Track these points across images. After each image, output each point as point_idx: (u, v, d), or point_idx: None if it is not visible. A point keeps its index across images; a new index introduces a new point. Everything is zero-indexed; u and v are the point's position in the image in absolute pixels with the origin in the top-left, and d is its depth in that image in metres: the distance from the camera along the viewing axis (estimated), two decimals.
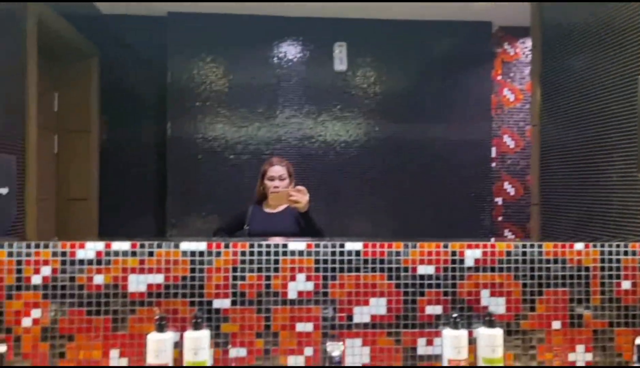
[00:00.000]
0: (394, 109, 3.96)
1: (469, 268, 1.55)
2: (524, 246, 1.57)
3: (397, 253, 1.55)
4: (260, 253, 1.52)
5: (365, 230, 3.92)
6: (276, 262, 1.52)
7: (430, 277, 1.55)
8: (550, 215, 2.88)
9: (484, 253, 1.56)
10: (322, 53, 3.94)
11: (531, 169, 3.06)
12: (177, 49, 3.86)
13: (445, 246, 1.56)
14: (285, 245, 1.52)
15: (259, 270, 1.51)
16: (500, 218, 4.04)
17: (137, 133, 3.90)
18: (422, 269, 1.54)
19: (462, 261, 1.56)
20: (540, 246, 1.57)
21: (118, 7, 3.69)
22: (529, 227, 4.04)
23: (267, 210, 2.82)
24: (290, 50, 3.94)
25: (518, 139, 4.07)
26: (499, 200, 4.04)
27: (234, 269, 1.50)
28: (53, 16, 3.13)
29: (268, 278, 1.51)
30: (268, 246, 1.52)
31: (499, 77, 4.06)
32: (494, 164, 4.01)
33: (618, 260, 1.58)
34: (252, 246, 1.51)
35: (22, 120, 2.76)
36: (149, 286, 1.48)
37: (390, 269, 1.54)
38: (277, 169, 2.80)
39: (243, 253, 1.51)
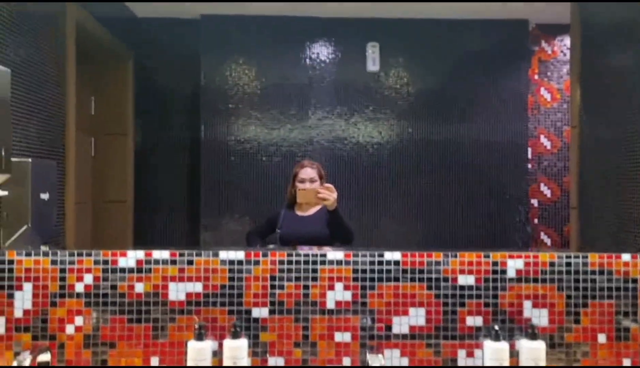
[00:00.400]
0: (427, 110, 3.91)
1: (511, 279, 1.52)
2: (568, 257, 1.53)
3: (437, 263, 1.52)
4: (298, 262, 1.51)
5: (398, 233, 3.89)
6: (314, 271, 1.51)
7: (470, 287, 1.52)
8: (589, 219, 2.80)
9: (527, 264, 1.53)
10: (354, 53, 3.91)
11: (570, 170, 2.99)
12: (209, 51, 3.89)
13: (487, 256, 1.53)
14: (323, 255, 1.51)
15: (297, 279, 1.50)
16: (536, 221, 3.96)
17: (171, 135, 3.95)
18: (463, 279, 1.52)
19: (503, 271, 1.52)
20: (585, 257, 1.53)
21: (152, 10, 3.73)
22: (567, 230, 3.95)
23: (299, 213, 2.83)
24: (322, 51, 3.93)
25: (555, 139, 3.98)
26: (535, 202, 3.96)
27: (272, 278, 1.50)
28: (90, 20, 3.18)
29: (306, 287, 1.50)
30: (306, 255, 1.51)
31: (536, 76, 3.98)
32: (530, 165, 3.93)
33: None
34: (290, 255, 1.51)
35: (62, 124, 2.82)
36: (188, 295, 1.49)
37: (429, 279, 1.52)
38: (308, 171, 2.80)
39: (281, 263, 1.51)
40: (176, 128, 3.96)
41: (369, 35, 3.87)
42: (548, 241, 3.95)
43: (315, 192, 2.57)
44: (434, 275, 1.52)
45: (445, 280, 1.52)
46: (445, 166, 3.88)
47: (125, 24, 3.76)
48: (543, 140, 3.97)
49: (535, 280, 1.52)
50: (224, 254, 1.50)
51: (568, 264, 1.53)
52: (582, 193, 2.88)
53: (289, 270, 1.50)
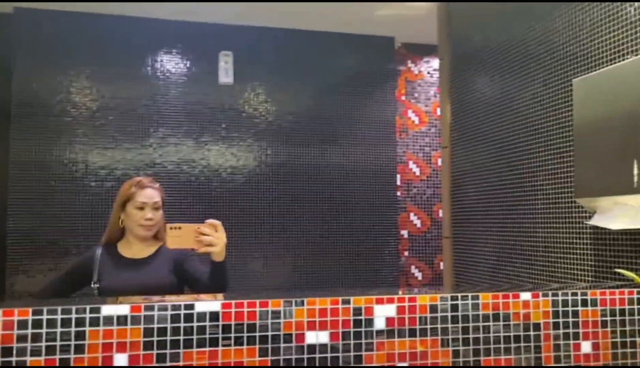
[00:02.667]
0: (288, 130, 3.48)
1: (380, 332, 1.07)
2: (454, 298, 1.11)
3: (275, 315, 1.03)
4: (51, 322, 0.94)
5: (254, 273, 3.37)
6: (79, 336, 0.95)
7: (324, 347, 1.05)
8: (465, 250, 2.50)
9: (400, 310, 1.09)
10: (205, 63, 3.40)
11: (442, 196, 2.69)
12: (25, 52, 3.16)
13: (346, 302, 1.06)
14: (96, 310, 0.96)
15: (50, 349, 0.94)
16: (406, 253, 3.65)
17: None
18: (312, 337, 1.04)
19: (369, 322, 1.07)
20: (475, 298, 1.12)
21: None
22: (437, 262, 3.69)
23: (127, 254, 2.00)
24: (167, 59, 3.37)
25: (424, 165, 3.74)
26: (404, 233, 3.66)
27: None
28: None
29: (65, 361, 0.94)
30: (67, 312, 0.95)
31: (403, 97, 3.73)
32: (398, 193, 3.63)
33: (576, 313, 1.16)
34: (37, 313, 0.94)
35: None
36: None
37: (264, 339, 1.02)
38: (150, 194, 1.96)
39: (23, 325, 0.93)
40: None
41: (222, 43, 3.37)
42: (419, 275, 3.66)
43: (194, 232, 1.72)
44: (269, 333, 1.03)
45: (287, 339, 1.03)
46: (308, 193, 3.46)
47: None
48: (412, 166, 3.71)
49: (412, 333, 1.09)
50: None
51: (454, 308, 1.11)
52: (456, 221, 2.58)
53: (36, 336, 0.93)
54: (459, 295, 1.11)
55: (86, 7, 3.16)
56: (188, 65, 3.39)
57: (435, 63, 3.77)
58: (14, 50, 3.14)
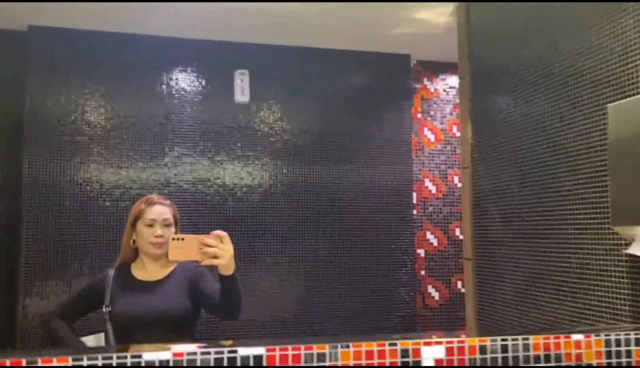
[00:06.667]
0: (304, 149, 3.44)
1: None
2: (504, 340, 1.07)
3: (321, 357, 0.99)
4: None
5: (269, 294, 3.32)
6: None
7: None
8: (486, 272, 2.45)
9: (449, 352, 1.05)
10: (220, 82, 3.37)
11: (463, 217, 2.64)
12: (40, 67, 3.14)
13: (393, 344, 1.02)
14: (138, 356, 0.92)
15: None
16: (422, 273, 3.60)
17: None
18: None
19: (417, 365, 1.03)
20: (526, 339, 1.08)
21: None
22: (454, 282, 3.64)
23: (141, 276, 1.95)
24: (182, 78, 3.34)
25: (440, 183, 3.70)
26: (421, 252, 3.61)
27: None
28: None
29: None
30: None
31: (419, 115, 3.70)
32: (415, 212, 3.59)
33: (629, 353, 1.12)
34: (78, 360, 0.90)
35: None
36: None
37: None
38: (160, 210, 1.93)
39: None
40: None
41: (238, 62, 3.35)
42: (436, 295, 3.61)
43: (198, 244, 1.60)
44: None
45: None
46: (324, 212, 3.42)
47: None
48: (428, 183, 3.67)
49: None
50: None
51: (504, 349, 1.07)
52: (477, 242, 2.54)
53: None
54: (509, 337, 1.07)
55: (101, 25, 3.14)
56: (204, 83, 3.36)
57: (451, 81, 3.74)
58: (28, 69, 3.12)
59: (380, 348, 1.02)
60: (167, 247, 1.65)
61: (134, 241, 1.97)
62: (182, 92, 3.32)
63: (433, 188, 3.68)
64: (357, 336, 1.06)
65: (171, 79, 3.32)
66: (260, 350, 0.97)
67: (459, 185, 3.75)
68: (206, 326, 3.14)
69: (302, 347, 0.98)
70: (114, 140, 3.21)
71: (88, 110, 3.20)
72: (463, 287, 3.65)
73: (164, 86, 3.31)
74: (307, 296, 3.36)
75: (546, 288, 2.03)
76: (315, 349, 0.99)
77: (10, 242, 3.07)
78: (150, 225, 1.91)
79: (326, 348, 0.99)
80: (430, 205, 3.67)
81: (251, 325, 3.25)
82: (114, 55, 3.24)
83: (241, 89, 3.27)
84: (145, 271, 1.96)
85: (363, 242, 3.46)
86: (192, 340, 1.97)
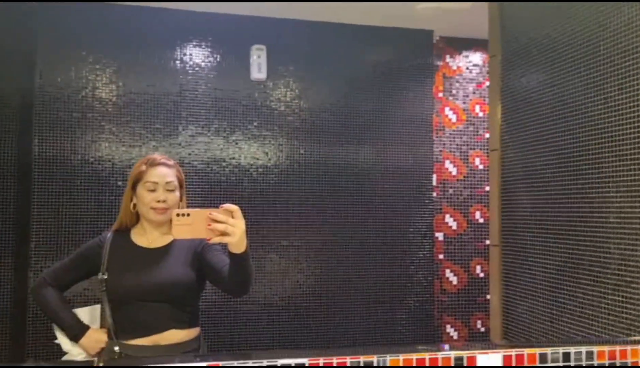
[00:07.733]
0: (322, 128, 3.33)
1: None
2: (566, 350, 0.97)
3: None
4: None
5: (286, 277, 3.24)
6: None
7: None
8: (514, 259, 2.36)
9: (507, 360, 0.95)
10: (236, 58, 3.24)
11: (490, 202, 2.54)
12: (49, 43, 3.03)
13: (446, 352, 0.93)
14: None
15: None
16: (441, 256, 3.51)
17: None
18: None
19: None
20: (589, 349, 0.98)
21: None
22: (473, 267, 3.55)
23: (141, 243, 1.80)
24: (196, 53, 3.22)
25: (461, 165, 3.58)
26: (439, 236, 3.51)
27: None
28: None
29: None
30: None
31: (440, 94, 3.57)
32: (434, 194, 3.48)
33: None
34: None
35: None
36: None
37: None
38: (163, 173, 1.76)
39: None
40: None
41: (255, 37, 3.22)
42: (454, 279, 3.52)
43: (206, 219, 1.42)
44: None
45: None
46: (342, 193, 3.32)
47: None
48: (448, 165, 3.56)
49: None
50: None
51: (566, 358, 0.97)
52: (505, 228, 2.44)
53: None
54: (572, 349, 0.97)
55: None
56: (219, 59, 3.24)
57: (474, 58, 3.60)
58: (37, 44, 3.01)
59: (431, 356, 0.93)
60: (170, 214, 1.52)
61: (134, 205, 1.81)
62: (197, 68, 3.20)
63: (454, 170, 3.57)
64: (406, 346, 0.97)
65: (185, 55, 3.20)
66: (303, 360, 0.88)
67: (480, 167, 3.64)
68: (219, 306, 3.08)
69: (348, 358, 0.89)
70: (125, 117, 3.11)
71: (99, 87, 3.09)
72: (482, 271, 3.57)
73: (177, 61, 3.19)
74: (323, 279, 3.28)
75: (582, 280, 1.93)
76: (362, 358, 0.90)
77: (20, 222, 2.99)
78: (152, 190, 1.75)
79: (374, 358, 0.90)
80: (451, 187, 3.56)
81: (268, 309, 3.18)
82: (126, 30, 3.12)
83: (258, 65, 3.14)
84: (146, 238, 1.80)
85: (381, 225, 3.37)
86: (198, 313, 1.85)
